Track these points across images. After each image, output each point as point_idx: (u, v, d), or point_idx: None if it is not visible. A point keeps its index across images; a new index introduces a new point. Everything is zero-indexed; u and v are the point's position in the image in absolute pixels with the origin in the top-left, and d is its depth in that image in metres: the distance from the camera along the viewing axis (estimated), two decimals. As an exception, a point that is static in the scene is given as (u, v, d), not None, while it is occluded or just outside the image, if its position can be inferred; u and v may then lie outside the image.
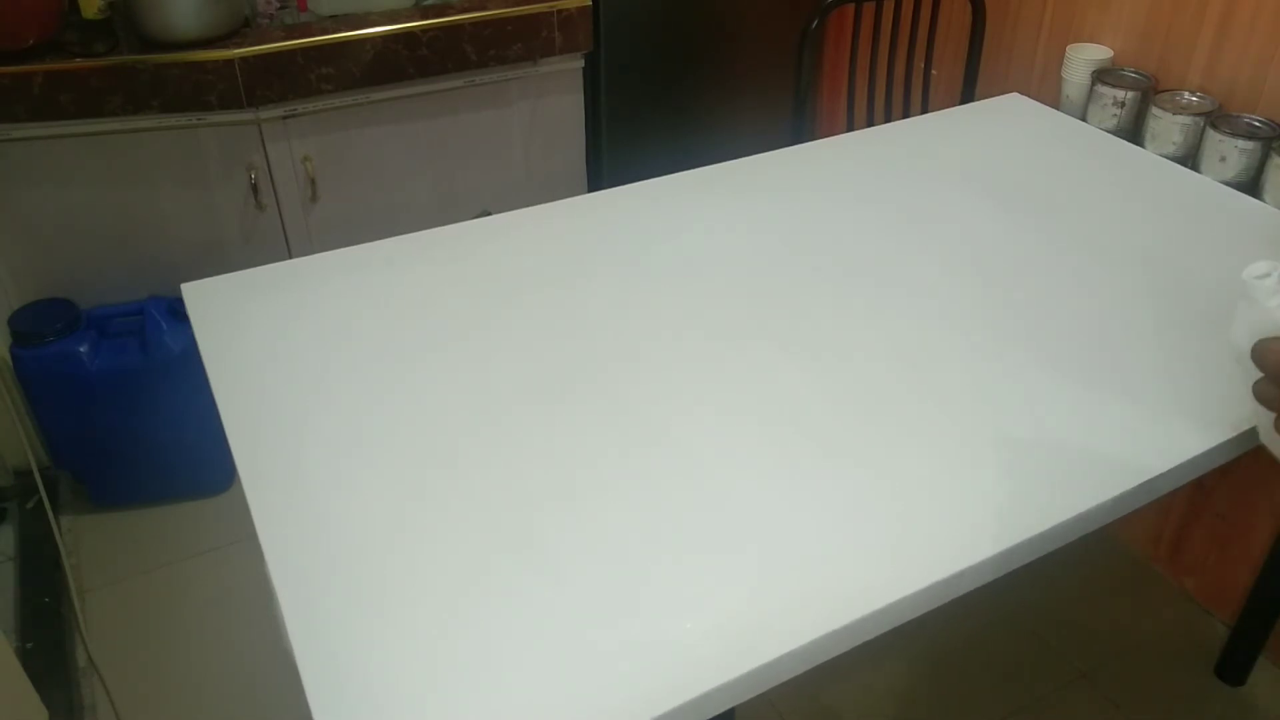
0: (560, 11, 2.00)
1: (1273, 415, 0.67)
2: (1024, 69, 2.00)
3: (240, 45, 1.79)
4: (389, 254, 1.28)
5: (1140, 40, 1.75)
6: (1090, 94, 1.73)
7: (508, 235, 1.32)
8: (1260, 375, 0.67)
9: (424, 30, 1.89)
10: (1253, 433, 1.00)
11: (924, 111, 1.97)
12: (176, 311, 1.85)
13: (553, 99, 2.12)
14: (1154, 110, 1.62)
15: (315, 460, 0.95)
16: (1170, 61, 1.71)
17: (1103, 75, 1.72)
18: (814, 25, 1.82)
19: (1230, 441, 0.99)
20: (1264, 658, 1.71)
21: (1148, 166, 1.52)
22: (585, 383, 1.05)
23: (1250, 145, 1.50)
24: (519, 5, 1.97)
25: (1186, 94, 1.64)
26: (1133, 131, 1.70)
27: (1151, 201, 1.42)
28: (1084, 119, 1.74)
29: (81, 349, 1.79)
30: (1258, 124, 1.54)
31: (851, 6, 1.86)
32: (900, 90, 1.98)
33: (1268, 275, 0.69)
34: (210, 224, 1.94)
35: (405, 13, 1.92)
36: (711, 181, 1.45)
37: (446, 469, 0.94)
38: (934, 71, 2.05)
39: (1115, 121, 1.70)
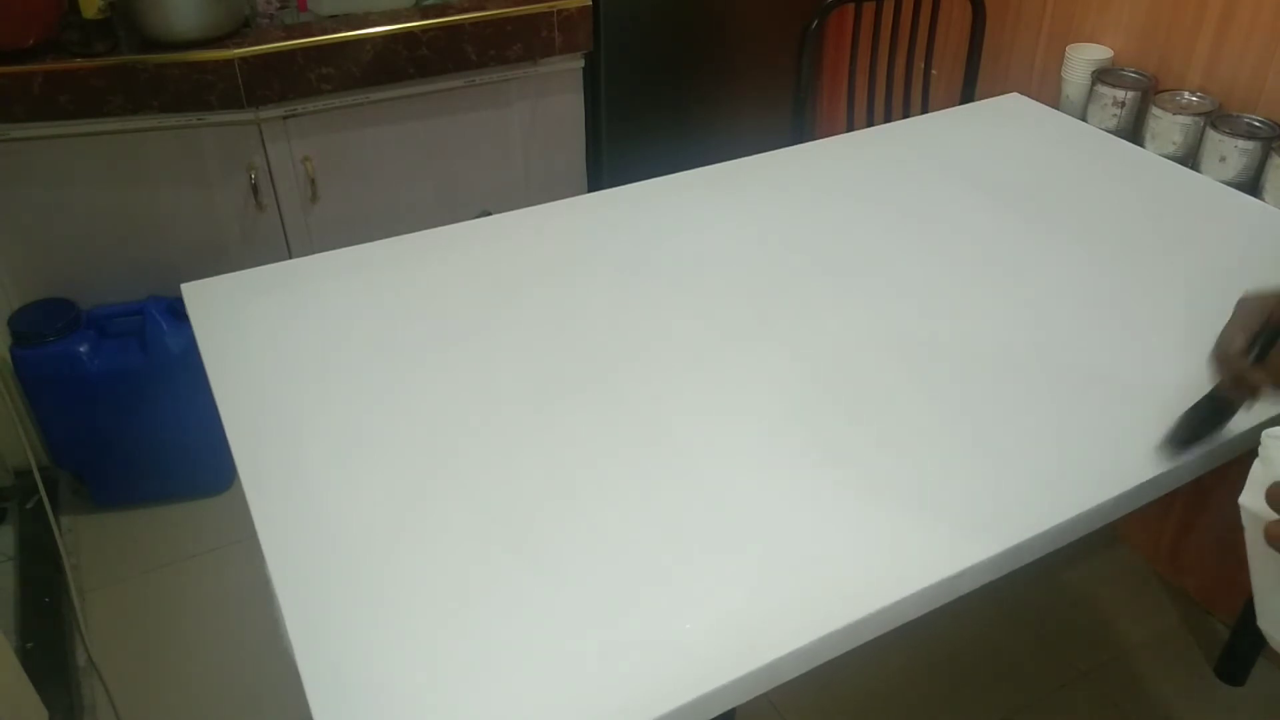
0: (560, 11, 2.00)
1: None
2: (1024, 69, 2.00)
3: (240, 45, 1.79)
4: (389, 254, 1.28)
5: (1140, 40, 1.75)
6: (1090, 94, 1.73)
7: (508, 235, 1.32)
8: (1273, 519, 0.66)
9: (424, 30, 1.89)
10: (1253, 432, 1.00)
11: (924, 111, 1.97)
12: (176, 311, 1.85)
13: (553, 99, 2.12)
14: (1154, 110, 1.62)
15: (315, 460, 0.95)
16: (1170, 61, 1.71)
17: (1103, 75, 1.72)
18: (814, 25, 1.81)
19: (1229, 442, 0.99)
20: (1264, 658, 1.71)
21: (1148, 166, 1.52)
22: (585, 382, 1.05)
23: (1250, 145, 1.50)
24: (519, 5, 1.97)
25: (1186, 94, 1.64)
26: (1133, 131, 1.70)
27: (1151, 201, 1.42)
28: (1084, 119, 1.74)
29: (81, 349, 1.79)
30: (1258, 124, 1.54)
31: (851, 6, 1.86)
32: (900, 90, 1.98)
33: None
34: (210, 224, 1.94)
35: (405, 13, 1.92)
36: (711, 181, 1.45)
37: (447, 469, 0.94)
38: (934, 71, 2.05)
39: (1115, 121, 1.70)
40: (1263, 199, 1.46)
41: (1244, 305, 0.89)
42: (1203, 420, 0.94)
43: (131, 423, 1.87)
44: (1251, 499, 0.71)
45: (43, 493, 1.90)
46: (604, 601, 0.81)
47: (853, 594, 0.82)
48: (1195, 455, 0.97)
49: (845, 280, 1.23)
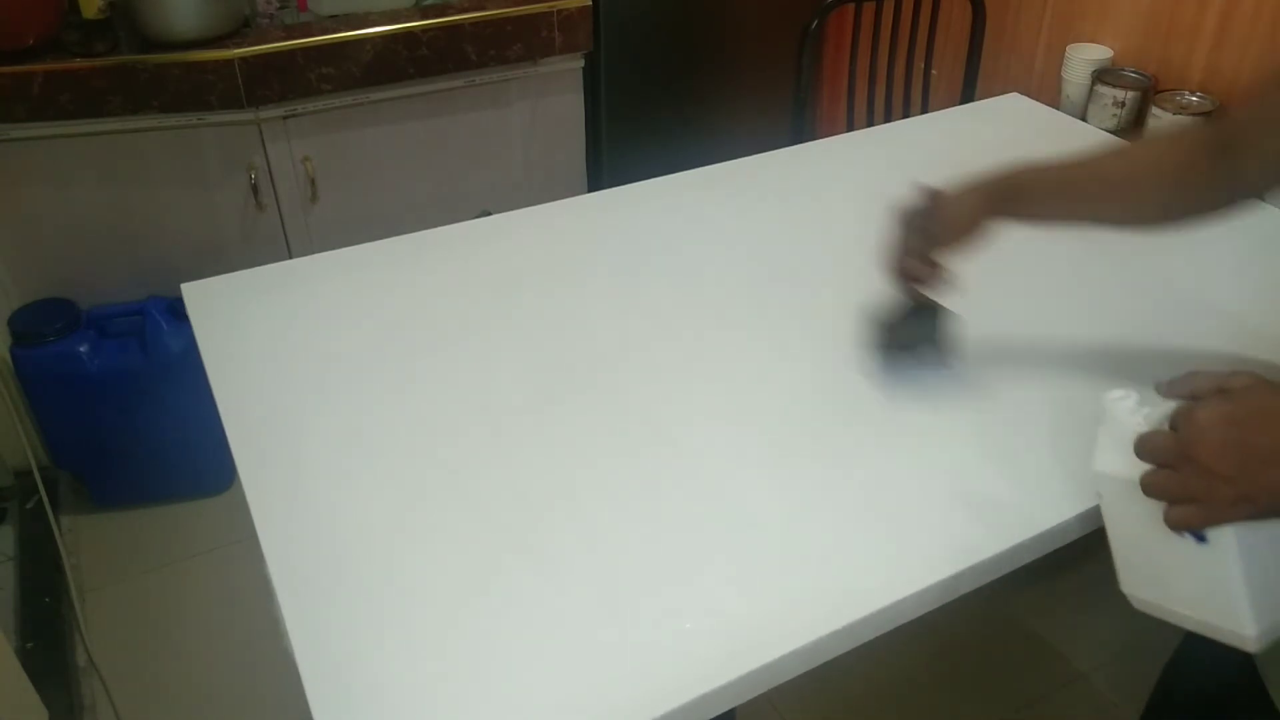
0: (560, 11, 2.00)
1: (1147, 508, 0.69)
2: (1024, 69, 2.00)
3: (240, 45, 1.79)
4: (389, 254, 1.28)
5: (1140, 40, 1.75)
6: (1090, 94, 1.73)
7: (508, 235, 1.32)
8: (1147, 468, 0.69)
9: (424, 30, 1.89)
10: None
11: (924, 111, 1.97)
12: (176, 311, 1.85)
13: (553, 99, 2.12)
14: (1154, 110, 1.62)
15: (315, 460, 0.95)
16: (1170, 61, 1.71)
17: (1103, 75, 1.72)
18: (814, 25, 1.82)
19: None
20: (1264, 658, 1.70)
21: (1148, 166, 1.51)
22: (585, 383, 1.05)
23: (1250, 145, 1.50)
24: (519, 5, 1.97)
25: (1186, 94, 1.64)
26: (1133, 131, 1.70)
27: (1151, 201, 1.42)
28: (1084, 119, 1.74)
29: (81, 349, 1.79)
30: (1258, 124, 1.54)
31: (851, 6, 1.86)
32: (900, 90, 1.98)
33: (1126, 397, 0.73)
34: (210, 224, 1.94)
35: (405, 13, 1.92)
36: (711, 181, 1.45)
37: (446, 469, 0.94)
38: (934, 71, 2.05)
39: (1115, 121, 1.70)
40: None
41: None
42: (900, 324, 1.03)
43: (131, 423, 1.87)
44: (1106, 463, 0.73)
45: (43, 493, 1.90)
46: (604, 601, 0.81)
47: (853, 594, 0.82)
48: (903, 356, 1.04)
49: (845, 280, 1.23)
